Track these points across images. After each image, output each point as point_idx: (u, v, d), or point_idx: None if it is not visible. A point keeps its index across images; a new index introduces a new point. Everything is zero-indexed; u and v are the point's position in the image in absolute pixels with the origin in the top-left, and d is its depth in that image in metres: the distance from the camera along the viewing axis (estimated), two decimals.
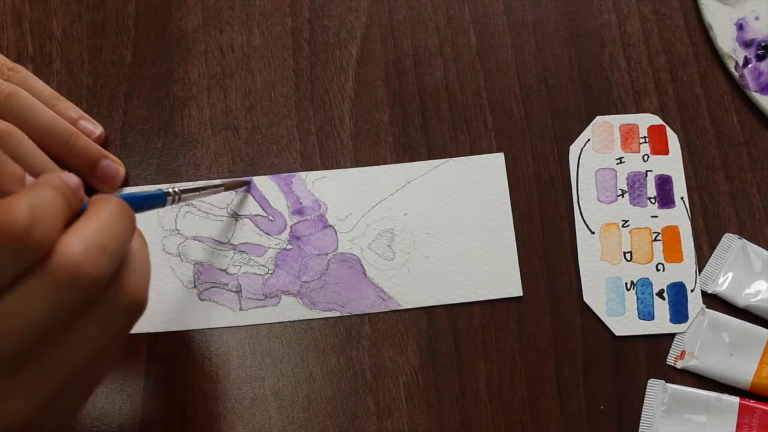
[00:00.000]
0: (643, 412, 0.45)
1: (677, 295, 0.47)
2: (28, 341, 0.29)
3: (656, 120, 0.50)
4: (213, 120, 0.50)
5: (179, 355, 0.45)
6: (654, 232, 0.48)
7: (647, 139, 0.50)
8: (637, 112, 0.50)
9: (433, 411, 0.45)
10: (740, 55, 0.51)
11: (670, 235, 0.48)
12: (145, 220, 0.48)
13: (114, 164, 0.47)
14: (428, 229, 0.48)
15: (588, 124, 0.50)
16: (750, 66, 0.51)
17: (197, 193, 0.43)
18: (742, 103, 0.51)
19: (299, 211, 0.48)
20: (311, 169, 0.49)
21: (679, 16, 0.52)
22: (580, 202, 0.49)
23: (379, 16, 0.52)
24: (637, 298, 0.47)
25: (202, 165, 0.49)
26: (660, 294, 0.47)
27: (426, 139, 0.50)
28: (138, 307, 0.32)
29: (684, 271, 0.47)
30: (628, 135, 0.50)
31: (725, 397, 0.45)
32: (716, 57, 0.52)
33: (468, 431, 0.45)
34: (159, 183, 0.49)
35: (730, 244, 0.48)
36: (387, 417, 0.45)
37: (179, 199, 0.41)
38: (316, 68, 0.51)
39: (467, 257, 0.47)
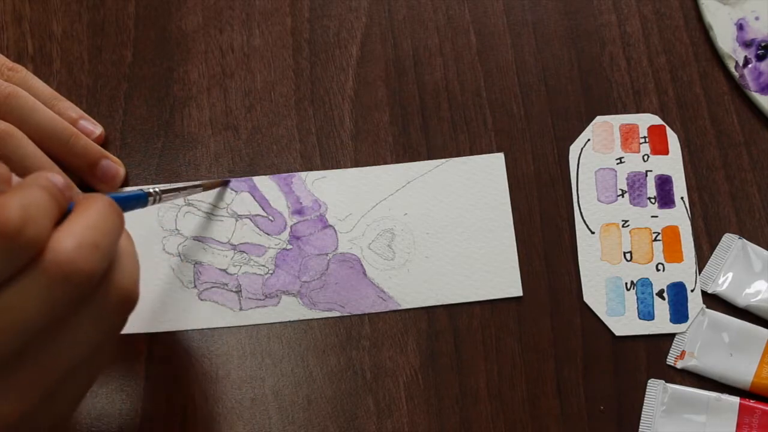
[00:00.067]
0: (643, 412, 0.45)
1: (677, 295, 0.47)
2: (22, 339, 0.29)
3: (656, 120, 0.50)
4: (213, 120, 0.50)
5: (179, 355, 0.45)
6: (654, 232, 0.48)
7: (647, 139, 0.50)
8: (637, 112, 0.50)
9: (433, 411, 0.45)
10: (740, 55, 0.51)
11: (670, 235, 0.48)
12: (145, 220, 0.48)
13: (114, 164, 0.47)
14: (428, 229, 0.48)
15: (588, 124, 0.50)
16: (750, 66, 0.51)
17: (177, 193, 0.43)
18: (742, 103, 0.51)
19: (299, 211, 0.48)
20: (311, 169, 0.49)
21: (679, 16, 0.52)
22: (580, 202, 0.49)
23: (379, 16, 0.52)
24: (637, 298, 0.47)
25: (202, 165, 0.49)
26: (660, 294, 0.47)
27: (426, 139, 0.50)
28: (130, 302, 0.32)
29: (684, 271, 0.47)
30: (628, 135, 0.50)
31: (725, 397, 0.45)
32: (716, 57, 0.52)
33: (468, 431, 0.45)
34: (159, 183, 0.49)
35: (730, 244, 0.48)
36: (387, 417, 0.45)
37: (160, 200, 0.41)
38: (316, 68, 0.51)
39: (467, 257, 0.47)
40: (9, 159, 0.43)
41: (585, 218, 0.48)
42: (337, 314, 0.46)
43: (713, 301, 0.47)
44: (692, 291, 0.47)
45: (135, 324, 0.46)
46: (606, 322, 0.47)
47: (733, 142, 0.50)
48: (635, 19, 0.52)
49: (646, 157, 0.49)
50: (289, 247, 0.47)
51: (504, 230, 0.48)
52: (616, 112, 0.50)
